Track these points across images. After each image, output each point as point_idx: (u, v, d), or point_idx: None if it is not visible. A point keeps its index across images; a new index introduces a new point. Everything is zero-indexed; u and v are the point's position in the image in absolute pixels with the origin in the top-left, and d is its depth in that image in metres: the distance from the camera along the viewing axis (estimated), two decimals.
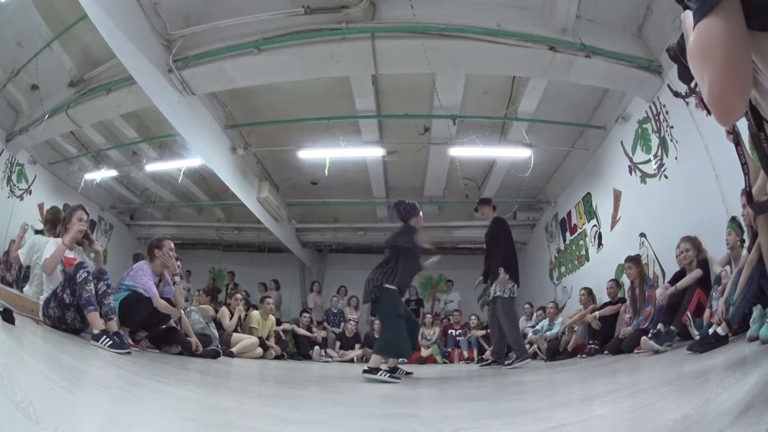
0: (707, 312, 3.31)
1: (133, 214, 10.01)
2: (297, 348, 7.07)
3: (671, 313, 3.66)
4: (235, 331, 5.84)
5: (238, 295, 6.37)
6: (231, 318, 5.90)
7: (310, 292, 9.65)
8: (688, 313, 3.48)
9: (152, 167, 7.61)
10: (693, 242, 3.80)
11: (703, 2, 0.75)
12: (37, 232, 6.27)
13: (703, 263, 3.69)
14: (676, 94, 4.33)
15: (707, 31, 0.75)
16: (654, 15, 4.36)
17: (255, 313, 6.26)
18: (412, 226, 3.80)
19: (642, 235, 5.19)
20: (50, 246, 3.20)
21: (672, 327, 3.57)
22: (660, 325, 3.65)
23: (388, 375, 3.20)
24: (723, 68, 0.74)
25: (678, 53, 1.01)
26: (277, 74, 5.07)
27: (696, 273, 3.60)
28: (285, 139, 6.96)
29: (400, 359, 3.84)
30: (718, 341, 2.71)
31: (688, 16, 0.88)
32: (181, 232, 9.87)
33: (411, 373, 3.90)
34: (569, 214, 7.46)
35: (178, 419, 1.29)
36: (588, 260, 6.75)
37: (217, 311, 5.99)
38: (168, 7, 4.59)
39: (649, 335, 3.71)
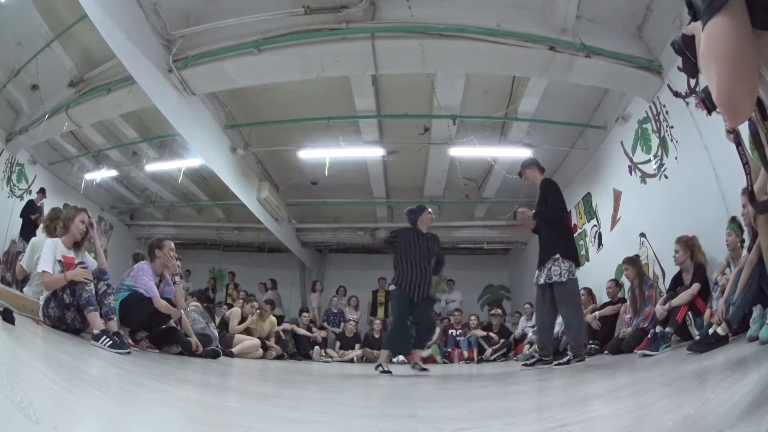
0: (707, 312, 3.31)
1: (133, 214, 10.00)
2: (297, 348, 7.07)
3: (667, 316, 3.67)
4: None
5: (255, 303, 6.40)
6: (241, 322, 5.91)
7: (312, 292, 9.64)
8: (689, 313, 3.49)
9: (152, 167, 7.61)
10: (684, 243, 3.81)
11: (710, 2, 0.75)
12: (25, 225, 6.23)
13: (700, 268, 3.69)
14: (676, 94, 4.33)
15: (715, 32, 0.75)
16: (654, 15, 4.36)
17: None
18: (414, 228, 4.29)
19: (642, 235, 5.19)
20: (48, 246, 3.18)
21: (668, 329, 3.57)
22: (658, 327, 3.66)
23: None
24: (730, 69, 0.74)
25: (682, 46, 1.01)
26: (277, 74, 5.07)
27: (694, 288, 3.58)
28: (285, 139, 6.97)
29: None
30: (718, 341, 2.72)
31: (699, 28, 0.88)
32: (181, 232, 9.87)
33: (426, 369, 4.32)
34: (569, 214, 7.45)
35: (178, 419, 1.29)
36: (588, 260, 6.75)
37: (209, 309, 5.97)
38: (168, 7, 4.60)
39: (648, 336, 3.72)
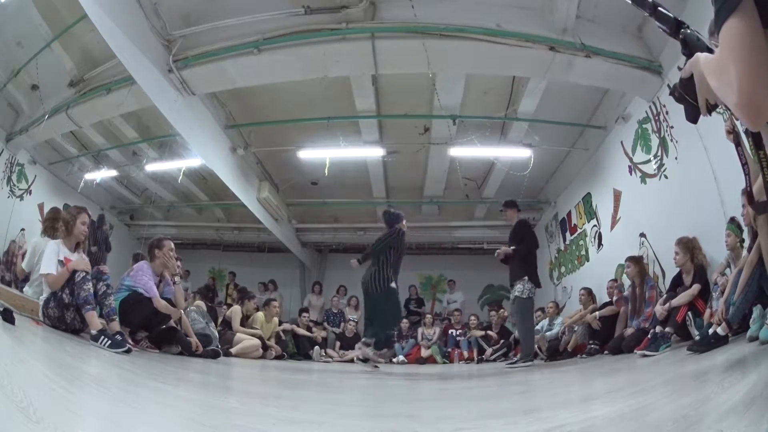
0: (707, 312, 3.31)
1: (133, 214, 10.00)
2: (297, 348, 7.07)
3: (666, 317, 3.67)
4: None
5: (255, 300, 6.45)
6: (242, 320, 5.93)
7: (311, 293, 9.63)
8: (689, 313, 3.49)
9: (152, 167, 7.60)
10: (684, 245, 3.81)
11: (723, 4, 0.75)
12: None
13: (700, 270, 3.68)
14: None
15: (732, 33, 0.74)
16: None
17: (260, 315, 6.25)
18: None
19: (642, 235, 5.19)
20: (50, 248, 3.18)
21: (668, 329, 3.57)
22: (658, 327, 3.66)
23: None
24: (752, 69, 0.72)
25: (683, 92, 0.98)
26: (277, 74, 5.06)
27: (693, 289, 3.58)
28: (285, 139, 6.96)
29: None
30: (718, 341, 2.72)
31: (698, 57, 0.89)
32: (181, 232, 9.86)
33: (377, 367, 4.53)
34: (569, 214, 7.45)
35: (178, 419, 1.29)
36: (588, 260, 6.75)
37: (213, 309, 5.97)
38: (168, 7, 4.59)
39: (648, 336, 3.72)
